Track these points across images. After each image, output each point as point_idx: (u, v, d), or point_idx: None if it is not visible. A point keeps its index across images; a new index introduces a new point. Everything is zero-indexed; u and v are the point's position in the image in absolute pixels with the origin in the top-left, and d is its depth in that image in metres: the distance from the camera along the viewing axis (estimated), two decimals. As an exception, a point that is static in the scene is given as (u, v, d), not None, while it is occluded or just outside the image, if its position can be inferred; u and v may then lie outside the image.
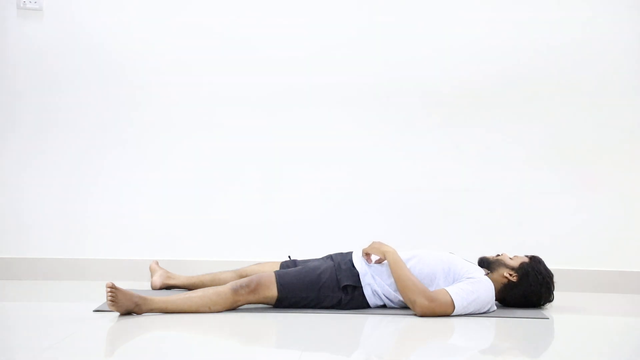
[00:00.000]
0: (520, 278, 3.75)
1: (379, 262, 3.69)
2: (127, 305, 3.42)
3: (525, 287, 3.75)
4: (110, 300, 3.38)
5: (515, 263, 3.78)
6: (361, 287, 3.67)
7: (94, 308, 3.55)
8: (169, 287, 4.08)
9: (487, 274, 3.72)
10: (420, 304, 3.55)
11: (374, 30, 4.50)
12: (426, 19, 4.50)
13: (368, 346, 3.22)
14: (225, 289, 3.56)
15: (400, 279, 3.61)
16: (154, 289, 4.07)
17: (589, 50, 4.49)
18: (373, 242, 3.75)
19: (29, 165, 4.43)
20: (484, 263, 3.81)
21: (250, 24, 4.48)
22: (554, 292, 3.82)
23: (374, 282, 3.68)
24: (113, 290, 3.38)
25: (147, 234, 4.45)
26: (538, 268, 3.77)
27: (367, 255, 3.72)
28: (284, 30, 4.48)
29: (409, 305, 3.59)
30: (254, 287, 3.57)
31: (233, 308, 3.57)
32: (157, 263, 4.20)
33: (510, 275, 3.75)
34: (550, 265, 3.80)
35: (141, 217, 4.46)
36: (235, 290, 3.55)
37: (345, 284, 3.65)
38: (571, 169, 4.50)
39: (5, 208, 4.43)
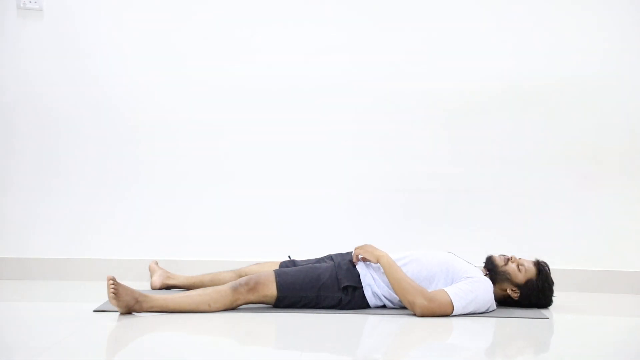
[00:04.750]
0: (521, 296, 3.74)
1: (364, 259, 3.70)
2: (127, 301, 3.41)
3: (524, 305, 3.76)
4: (112, 293, 3.36)
5: (522, 279, 3.72)
6: (361, 287, 3.67)
7: (94, 308, 3.55)
8: (168, 287, 4.08)
9: (486, 275, 3.72)
10: (420, 305, 3.54)
11: (375, 31, 4.50)
12: (427, 20, 4.50)
13: (368, 346, 3.22)
14: (225, 287, 3.56)
15: (396, 282, 3.60)
16: (153, 289, 4.07)
17: (589, 50, 4.49)
18: (366, 245, 3.73)
19: (29, 165, 4.43)
20: (491, 268, 3.75)
21: (251, 23, 4.48)
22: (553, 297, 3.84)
23: (374, 283, 3.68)
24: (115, 283, 3.37)
25: (147, 234, 4.45)
26: (542, 286, 3.74)
27: (356, 257, 3.72)
28: (284, 31, 4.48)
29: (408, 307, 3.58)
30: (253, 286, 3.57)
31: (233, 307, 3.57)
32: (156, 263, 4.20)
33: (513, 291, 3.74)
34: (550, 265, 3.79)
35: (141, 217, 4.46)
36: (235, 289, 3.55)
37: (346, 284, 3.65)
38: (571, 169, 4.50)
39: (5, 208, 4.43)
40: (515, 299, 3.74)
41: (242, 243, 4.45)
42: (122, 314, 3.43)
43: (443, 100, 4.50)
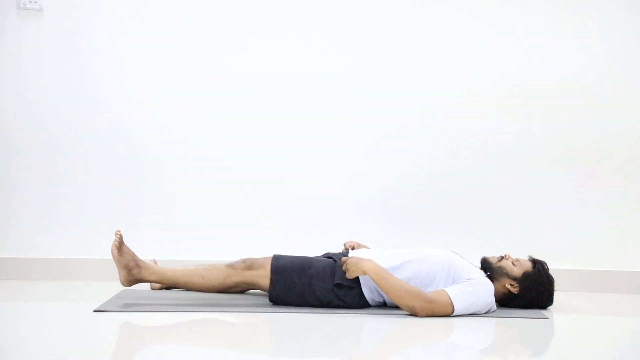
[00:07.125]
0: (521, 290, 3.72)
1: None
2: (128, 261, 3.59)
3: (527, 299, 3.74)
4: (118, 242, 3.55)
5: (518, 272, 3.72)
6: (357, 286, 3.66)
7: (94, 308, 3.55)
8: (168, 288, 4.08)
9: (486, 276, 3.72)
10: (420, 307, 3.53)
11: (373, 32, 4.50)
12: (427, 19, 4.50)
13: (368, 347, 3.22)
14: (221, 263, 3.77)
15: (391, 290, 3.57)
16: (153, 289, 4.07)
17: (589, 50, 4.49)
18: (348, 262, 3.64)
19: (30, 165, 4.43)
20: (487, 267, 3.76)
21: (249, 27, 4.48)
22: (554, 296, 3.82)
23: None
24: (121, 237, 3.56)
25: (147, 234, 4.45)
26: (540, 278, 3.73)
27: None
28: (282, 28, 4.49)
29: (409, 311, 3.56)
30: (250, 264, 3.72)
31: (226, 284, 3.72)
32: (156, 263, 4.20)
33: (512, 286, 3.72)
34: (550, 265, 3.79)
35: (141, 217, 4.46)
36: (231, 265, 3.74)
37: (339, 282, 3.65)
38: (571, 169, 4.50)
39: (6, 208, 4.43)
40: (516, 293, 3.72)
41: (241, 243, 4.45)
42: (122, 280, 3.61)
43: (443, 100, 4.50)
